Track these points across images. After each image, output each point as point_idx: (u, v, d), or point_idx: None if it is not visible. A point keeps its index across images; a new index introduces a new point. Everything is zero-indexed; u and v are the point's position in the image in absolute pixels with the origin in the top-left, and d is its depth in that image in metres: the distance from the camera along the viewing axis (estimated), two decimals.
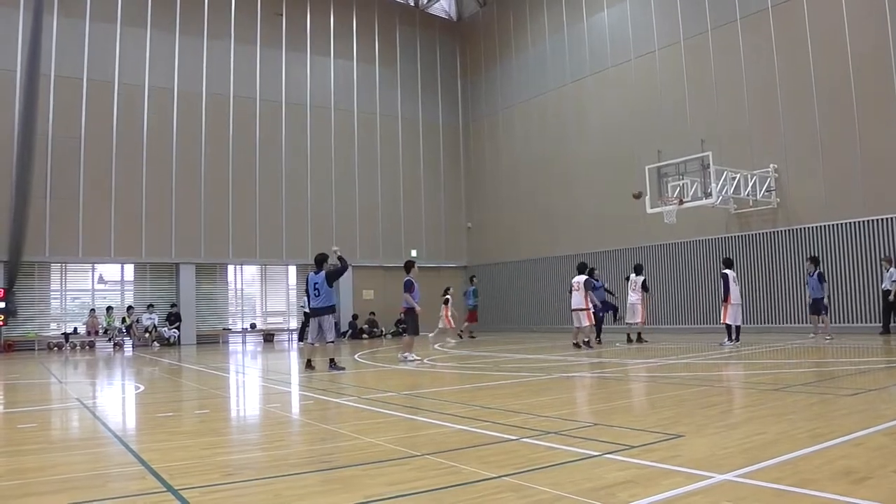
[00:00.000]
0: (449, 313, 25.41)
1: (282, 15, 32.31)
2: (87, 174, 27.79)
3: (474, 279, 29.33)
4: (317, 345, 15.04)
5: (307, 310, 17.20)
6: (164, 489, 4.98)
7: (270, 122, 31.64)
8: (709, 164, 21.88)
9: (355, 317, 31.98)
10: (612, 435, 6.49)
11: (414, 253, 33.92)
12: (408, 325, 17.06)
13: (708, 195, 21.97)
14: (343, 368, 14.46)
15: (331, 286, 14.70)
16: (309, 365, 14.85)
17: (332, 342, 14.79)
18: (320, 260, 15.18)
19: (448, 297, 25.74)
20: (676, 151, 23.28)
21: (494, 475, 5.02)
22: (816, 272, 19.11)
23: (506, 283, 32.98)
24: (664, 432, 6.45)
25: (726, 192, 22.32)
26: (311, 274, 15.06)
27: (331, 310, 14.86)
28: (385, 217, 33.71)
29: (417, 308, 16.56)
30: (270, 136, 31.55)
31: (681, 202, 22.61)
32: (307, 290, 15.25)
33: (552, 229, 30.57)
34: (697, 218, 23.93)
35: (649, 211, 23.52)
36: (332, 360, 14.59)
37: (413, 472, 5.34)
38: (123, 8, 28.98)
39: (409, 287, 16.56)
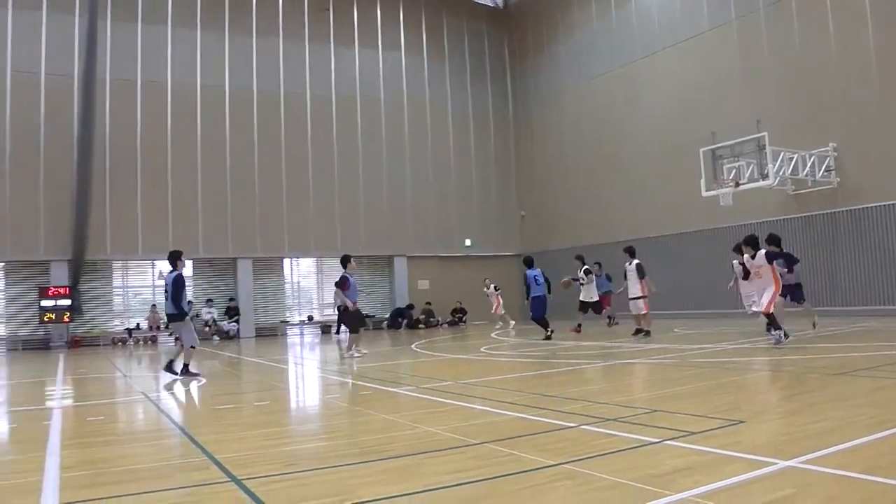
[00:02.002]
0: (501, 302, 25.97)
1: (329, 10, 32.49)
2: (144, 174, 28.40)
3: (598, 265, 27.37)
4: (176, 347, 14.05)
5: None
6: (228, 479, 5.09)
7: (321, 117, 31.88)
8: (765, 145, 21.45)
9: (410, 307, 32.13)
10: (671, 421, 6.43)
11: (468, 242, 33.96)
12: (346, 323, 16.63)
13: (765, 177, 21.55)
14: (197, 374, 13.04)
15: (175, 293, 13.12)
16: (170, 368, 13.20)
17: (191, 347, 13.21)
18: (174, 257, 13.64)
19: (493, 285, 27.31)
20: (731, 133, 22.87)
21: (553, 463, 5.03)
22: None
23: (561, 271, 32.75)
24: (724, 418, 6.38)
25: (784, 172, 21.86)
26: (166, 274, 13.69)
27: (178, 317, 13.24)
28: (437, 207, 33.75)
29: (351, 305, 16.01)
30: (321, 131, 31.79)
31: (737, 184, 22.22)
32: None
33: (606, 215, 30.25)
34: (754, 200, 23.47)
35: (704, 194, 23.16)
36: (185, 366, 13.09)
37: (472, 460, 5.37)
38: (174, 10, 29.50)
39: (341, 283, 16.11)
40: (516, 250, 35.07)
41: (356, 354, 15.83)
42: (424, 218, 33.31)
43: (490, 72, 36.19)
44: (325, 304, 32.89)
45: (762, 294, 13.07)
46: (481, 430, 6.62)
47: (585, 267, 20.61)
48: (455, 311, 32.10)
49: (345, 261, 16.67)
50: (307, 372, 14.98)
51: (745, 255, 13.52)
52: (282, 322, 31.55)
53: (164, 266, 30.03)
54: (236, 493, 4.71)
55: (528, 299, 19.81)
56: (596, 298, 20.68)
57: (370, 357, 16.31)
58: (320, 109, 31.91)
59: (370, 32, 33.50)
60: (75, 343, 27.14)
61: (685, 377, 9.81)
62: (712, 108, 25.57)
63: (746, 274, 13.69)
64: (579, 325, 20.58)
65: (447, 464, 5.29)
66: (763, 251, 13.21)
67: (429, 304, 32.35)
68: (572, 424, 6.54)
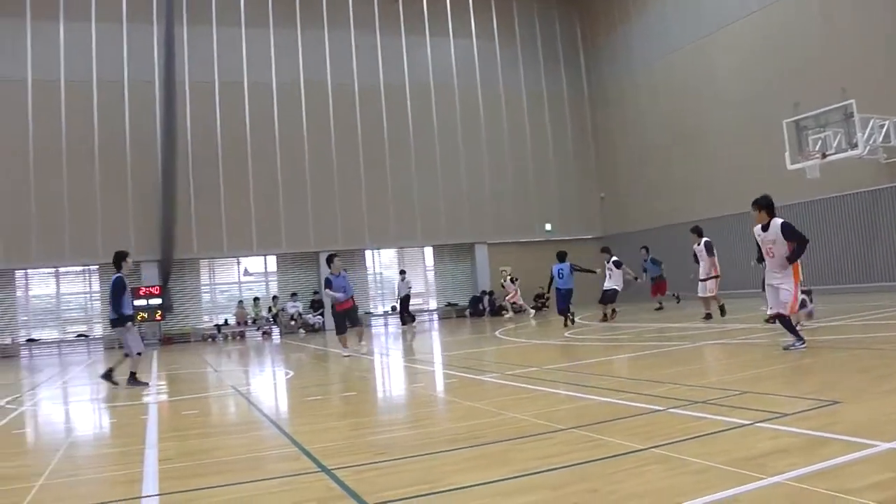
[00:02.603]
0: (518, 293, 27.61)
1: (398, 1, 32.61)
2: (225, 173, 29.12)
3: (645, 250, 26.85)
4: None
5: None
6: (319, 469, 5.19)
7: (396, 108, 32.07)
8: (852, 113, 20.66)
9: (491, 293, 32.13)
10: (762, 402, 6.29)
11: (548, 227, 33.73)
12: (353, 319, 16.08)
13: (854, 146, 20.76)
14: (146, 384, 12.45)
15: (114, 297, 12.44)
16: (109, 377, 12.42)
17: (137, 354, 12.49)
18: (118, 258, 12.82)
19: (510, 277, 28.12)
20: (815, 102, 22.08)
21: (642, 447, 4.98)
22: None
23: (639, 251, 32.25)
24: (819, 398, 6.19)
25: (874, 140, 21.01)
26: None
27: (117, 322, 12.46)
28: (515, 193, 33.60)
29: (339, 298, 15.63)
30: (396, 121, 31.98)
31: (823, 156, 21.48)
32: None
33: (687, 194, 29.58)
34: (844, 171, 22.61)
35: (790, 167, 22.45)
36: (132, 374, 12.38)
37: (560, 445, 5.36)
38: (246, 10, 30.10)
39: (326, 285, 15.90)
40: (597, 233, 34.69)
41: (344, 354, 15.31)
42: (503, 204, 33.20)
43: (563, 53, 35.77)
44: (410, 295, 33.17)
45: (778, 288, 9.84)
46: (568, 415, 6.60)
47: (614, 258, 20.30)
48: (538, 296, 31.94)
49: (329, 261, 16.22)
50: (392, 362, 15.13)
51: (757, 227, 10.28)
52: (365, 313, 31.90)
53: (250, 263, 31.13)
54: (327, 483, 4.80)
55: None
56: (618, 288, 20.05)
57: (455, 345, 16.39)
58: (394, 100, 32.08)
59: (440, 21, 33.49)
60: (167, 340, 28.02)
61: (775, 357, 9.57)
62: (794, 78, 24.72)
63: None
64: (607, 313, 19.86)
65: (534, 450, 5.28)
66: (779, 220, 9.90)
67: None
68: (660, 408, 6.45)
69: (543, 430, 5.93)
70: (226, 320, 29.53)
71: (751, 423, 5.44)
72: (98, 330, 28.76)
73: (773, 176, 24.74)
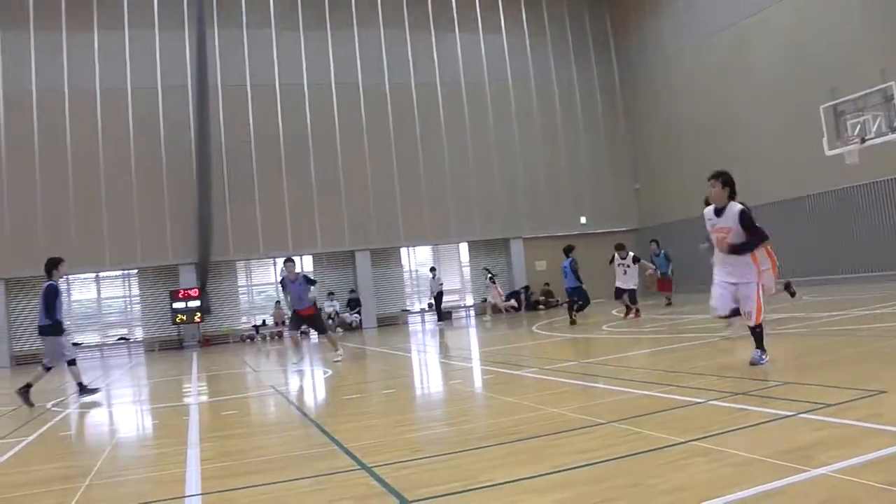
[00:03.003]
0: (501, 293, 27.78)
1: None
2: (259, 175, 29.39)
3: (656, 244, 26.98)
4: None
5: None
6: (358, 467, 5.21)
7: (427, 105, 32.08)
8: (892, 95, 20.24)
9: (527, 288, 32.06)
10: (805, 393, 6.19)
11: (583, 220, 33.55)
12: (316, 327, 15.66)
13: (894, 129, 20.38)
14: (96, 391, 12.07)
15: (45, 304, 11.78)
16: (25, 393, 11.36)
17: (48, 368, 11.85)
18: (49, 266, 12.18)
19: (490, 276, 28.00)
20: (853, 86, 21.64)
21: (682, 440, 4.93)
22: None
23: (680, 242, 31.91)
24: (864, 389, 6.06)
25: None
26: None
27: (45, 331, 11.90)
28: (549, 186, 33.46)
29: (286, 307, 15.62)
30: (428, 118, 32.00)
31: (863, 140, 21.08)
32: None
33: None
34: (885, 156, 22.16)
35: (828, 153, 22.04)
36: (80, 385, 11.85)
37: (599, 440, 5.32)
38: (276, 13, 30.33)
39: (281, 285, 15.23)
40: (633, 225, 34.45)
41: (336, 359, 14.68)
42: (537, 198, 33.08)
43: (593, 44, 35.49)
44: (443, 292, 33.16)
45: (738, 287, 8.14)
46: (607, 409, 6.55)
47: (632, 254, 19.76)
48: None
49: (286, 263, 15.27)
50: (430, 359, 15.14)
51: (709, 210, 8.56)
52: (402, 311, 32.00)
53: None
54: (366, 480, 4.82)
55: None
56: (632, 286, 19.47)
57: (491, 340, 16.35)
58: (426, 97, 32.11)
59: (470, 17, 33.42)
60: (206, 342, 28.34)
61: (817, 346, 9.44)
62: (830, 61, 24.26)
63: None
64: (628, 310, 19.19)
65: (574, 444, 5.25)
66: (738, 206, 8.21)
67: (547, 284, 32.16)
68: (700, 400, 6.38)
69: (582, 424, 5.91)
70: (264, 321, 29.78)
71: (794, 415, 5.35)
72: (138, 333, 29.18)
73: (810, 162, 24.43)
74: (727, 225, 8.07)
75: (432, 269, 29.11)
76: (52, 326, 11.68)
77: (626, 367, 9.33)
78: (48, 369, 11.79)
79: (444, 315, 28.16)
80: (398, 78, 31.75)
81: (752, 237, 8.00)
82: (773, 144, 26.73)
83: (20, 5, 27.54)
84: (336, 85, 30.85)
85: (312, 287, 15.07)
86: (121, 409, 11.38)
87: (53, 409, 11.10)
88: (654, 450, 4.80)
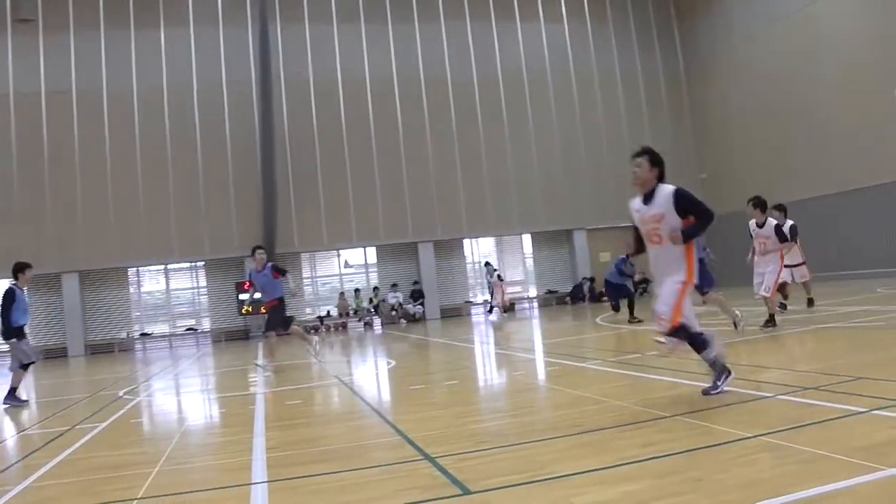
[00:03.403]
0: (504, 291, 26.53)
1: None
2: (323, 166, 29.69)
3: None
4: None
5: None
6: (422, 457, 5.24)
7: (489, 95, 31.97)
8: None
9: (592, 279, 31.79)
10: (878, 389, 6.00)
11: None
12: (275, 320, 14.62)
13: None
14: (23, 402, 11.32)
15: (3, 309, 11.43)
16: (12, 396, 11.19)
17: (16, 368, 11.45)
18: (14, 270, 11.77)
19: (497, 273, 27.02)
20: None
21: (749, 435, 4.83)
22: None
23: (745, 232, 31.19)
24: None
25: None
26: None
27: (4, 335, 11.59)
28: (613, 176, 32.91)
29: (262, 300, 14.74)
30: (491, 109, 31.88)
31: None
32: None
33: (794, 170, 28.35)
34: None
35: None
36: (12, 389, 11.27)
37: (664, 433, 5.26)
38: (338, 6, 30.56)
39: (249, 277, 14.12)
40: None
41: (265, 369, 13.87)
42: (601, 188, 32.68)
43: (656, 30, 34.86)
44: (506, 283, 33.10)
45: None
46: (671, 402, 6.47)
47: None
48: (638, 282, 31.43)
49: (254, 252, 14.86)
50: (493, 350, 15.13)
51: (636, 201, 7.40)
52: (466, 302, 32.04)
53: (351, 255, 31.63)
54: (430, 471, 4.84)
55: None
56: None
57: (555, 332, 16.26)
58: (487, 88, 32.00)
59: (531, 6, 33.18)
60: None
61: (891, 341, 9.16)
62: None
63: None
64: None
65: (638, 437, 5.20)
66: (669, 188, 6.95)
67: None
68: (768, 394, 6.26)
69: (647, 417, 5.84)
70: (328, 312, 30.12)
71: (867, 411, 5.20)
72: (206, 324, 29.79)
73: (880, 151, 23.68)
74: (659, 211, 6.69)
75: (487, 264, 29.08)
76: (8, 332, 11.48)
77: (690, 360, 9.16)
78: (24, 367, 11.52)
79: (506, 308, 27.97)
80: (459, 69, 31.70)
81: (701, 219, 6.56)
82: (843, 132, 25.79)
83: (91, 7, 28.30)
84: (398, 77, 30.97)
85: (283, 277, 14.23)
86: (189, 398, 11.64)
87: (125, 396, 11.40)
88: (721, 444, 4.72)
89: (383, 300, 30.13)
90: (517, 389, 9.00)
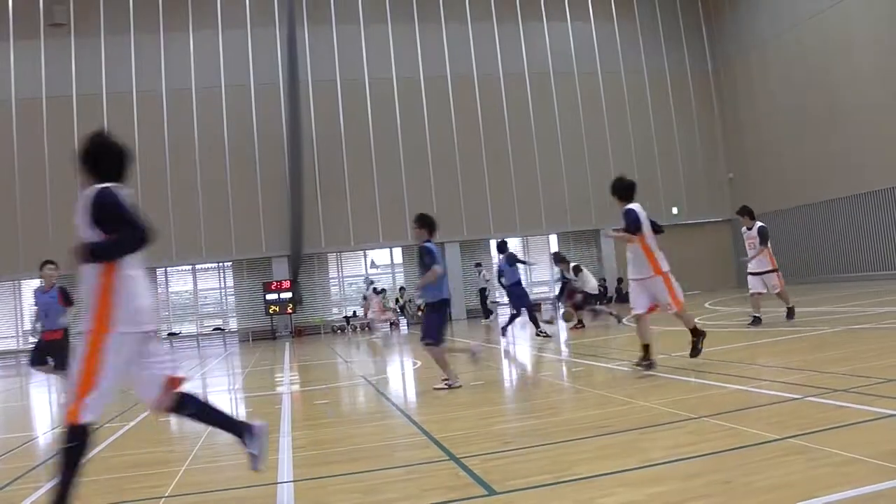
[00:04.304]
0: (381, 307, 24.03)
1: None
2: (350, 168, 29.88)
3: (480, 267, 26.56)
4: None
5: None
6: (447, 458, 5.24)
7: (516, 96, 31.94)
8: None
9: (619, 280, 31.63)
10: None
11: (675, 210, 32.87)
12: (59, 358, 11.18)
13: None
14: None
15: None
16: None
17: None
18: None
19: (373, 287, 25.49)
20: None
21: (778, 437, 4.78)
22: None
23: (774, 232, 30.75)
24: None
25: None
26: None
27: None
28: (640, 176, 32.29)
29: (36, 330, 11.60)
30: (517, 109, 31.84)
31: None
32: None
33: (821, 171, 27.95)
34: None
35: None
36: None
37: (691, 435, 5.22)
38: (364, 8, 30.71)
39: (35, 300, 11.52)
40: (726, 215, 33.59)
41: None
42: None
43: (685, 29, 34.62)
44: (533, 283, 33.02)
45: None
46: (699, 403, 6.41)
47: (574, 265, 18.40)
48: None
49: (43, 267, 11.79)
50: (519, 351, 15.09)
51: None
52: (493, 302, 31.94)
53: (377, 255, 31.70)
54: (455, 471, 4.84)
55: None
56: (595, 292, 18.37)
57: (581, 332, 16.19)
58: (514, 88, 31.98)
59: (557, 5, 33.09)
60: (298, 332, 28.96)
61: None
62: None
63: None
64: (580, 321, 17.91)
65: (665, 439, 5.17)
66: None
67: None
68: (797, 396, 6.18)
69: (674, 418, 5.80)
70: (354, 312, 30.20)
71: None
72: (233, 324, 30.03)
73: None
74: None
75: (477, 265, 28.71)
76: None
77: (718, 361, 9.11)
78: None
79: (489, 312, 27.45)
80: (486, 70, 31.71)
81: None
82: (875, 131, 25.42)
83: (122, 11, 28.66)
84: (424, 78, 31.04)
85: (67, 309, 11.49)
86: (216, 397, 11.70)
87: None
88: (749, 446, 4.67)
89: (409, 300, 30.15)
90: (543, 390, 8.97)
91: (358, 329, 29.05)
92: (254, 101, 29.42)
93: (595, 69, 33.11)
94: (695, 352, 8.91)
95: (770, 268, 13.41)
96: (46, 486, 5.44)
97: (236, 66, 29.47)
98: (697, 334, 8.94)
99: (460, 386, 8.95)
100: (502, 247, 17.99)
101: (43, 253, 9.85)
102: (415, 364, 13.36)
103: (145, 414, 9.23)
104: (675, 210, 32.95)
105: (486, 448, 5.47)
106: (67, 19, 28.33)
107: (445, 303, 9.11)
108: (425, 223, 9.07)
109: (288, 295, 28.75)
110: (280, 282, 28.76)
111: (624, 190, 9.62)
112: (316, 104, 29.77)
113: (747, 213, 13.99)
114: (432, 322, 9.13)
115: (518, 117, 31.80)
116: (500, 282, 17.84)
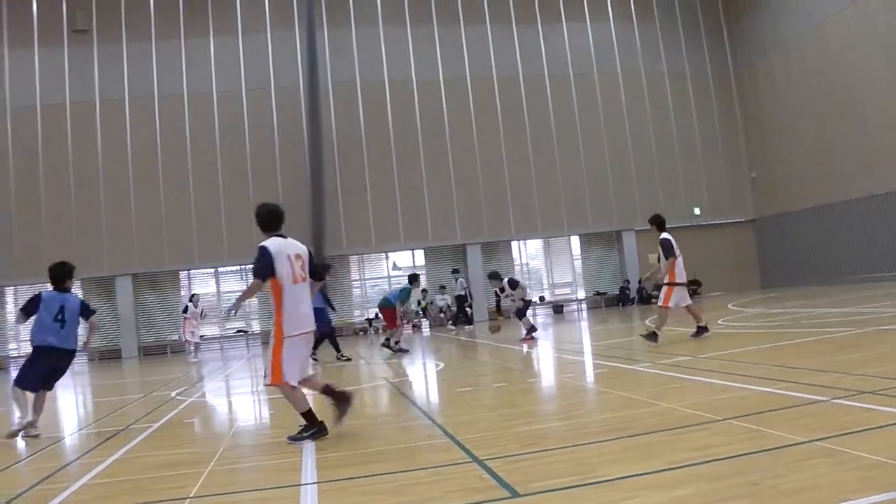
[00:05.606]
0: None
1: None
2: (371, 169, 29.96)
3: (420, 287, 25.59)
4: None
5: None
6: (470, 459, 5.24)
7: (536, 97, 31.89)
8: None
9: (640, 281, 31.50)
10: None
11: (697, 211, 32.68)
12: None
13: None
14: None
15: None
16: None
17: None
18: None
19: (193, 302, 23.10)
20: None
21: (804, 439, 4.74)
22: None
23: (797, 232, 30.67)
24: None
25: None
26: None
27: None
28: (662, 177, 32.69)
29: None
30: (538, 111, 31.79)
31: None
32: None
33: (844, 170, 27.63)
34: None
35: None
36: None
37: (716, 437, 5.18)
38: (384, 10, 30.80)
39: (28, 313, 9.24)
40: (749, 215, 33.39)
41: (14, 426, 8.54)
42: (650, 190, 32.34)
43: (704, 29, 34.36)
44: (555, 285, 32.97)
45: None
46: (724, 405, 6.37)
47: (508, 279, 18.00)
48: (690, 283, 31.09)
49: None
50: (542, 353, 15.06)
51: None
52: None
53: (398, 257, 31.73)
54: (478, 473, 4.84)
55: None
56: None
57: (604, 334, 16.13)
58: (534, 90, 31.94)
59: (577, 6, 32.99)
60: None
61: None
62: None
63: None
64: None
65: (690, 441, 5.14)
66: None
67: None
68: (823, 398, 6.12)
69: (698, 420, 5.76)
70: (376, 314, 30.17)
71: None
72: (256, 326, 30.16)
73: None
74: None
75: (455, 271, 28.56)
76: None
77: (743, 363, 9.04)
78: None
79: (461, 319, 27.15)
80: (506, 71, 31.68)
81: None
82: None
83: (143, 17, 28.93)
84: (444, 79, 31.07)
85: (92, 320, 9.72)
86: (239, 399, 11.77)
87: (178, 397, 11.57)
88: (775, 448, 4.63)
89: (431, 302, 30.15)
90: (566, 392, 8.95)
91: (380, 331, 29.07)
92: (274, 104, 29.57)
93: (615, 70, 32.97)
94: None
95: (667, 280, 13.17)
96: (73, 487, 5.51)
97: (257, 69, 29.64)
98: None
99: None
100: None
101: (62, 258, 9.85)
102: (437, 366, 13.36)
103: (170, 416, 9.31)
104: (696, 210, 32.75)
105: (508, 450, 5.46)
106: (90, 25, 28.62)
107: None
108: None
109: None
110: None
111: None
112: (336, 106, 29.85)
113: (655, 222, 13.91)
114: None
115: (538, 118, 31.73)
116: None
